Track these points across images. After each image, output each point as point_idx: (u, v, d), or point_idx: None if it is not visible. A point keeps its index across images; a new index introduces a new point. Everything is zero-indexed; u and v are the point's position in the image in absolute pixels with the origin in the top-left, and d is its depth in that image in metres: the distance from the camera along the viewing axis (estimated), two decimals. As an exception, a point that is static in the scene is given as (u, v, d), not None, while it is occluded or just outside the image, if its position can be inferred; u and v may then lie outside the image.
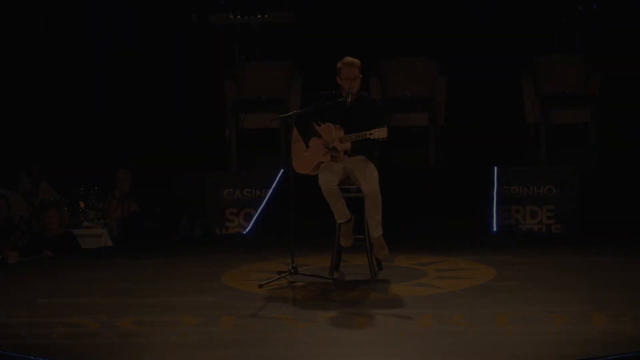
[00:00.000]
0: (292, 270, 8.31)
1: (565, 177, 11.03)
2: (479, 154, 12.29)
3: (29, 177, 12.23)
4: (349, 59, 8.42)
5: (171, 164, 12.49)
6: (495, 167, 11.14)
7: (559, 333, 6.86)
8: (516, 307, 7.51)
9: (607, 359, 6.23)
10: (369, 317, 7.39)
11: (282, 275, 8.32)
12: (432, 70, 13.14)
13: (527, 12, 13.67)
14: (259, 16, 13.57)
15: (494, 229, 10.47)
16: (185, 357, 6.58)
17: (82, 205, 11.12)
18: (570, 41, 13.73)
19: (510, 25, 13.55)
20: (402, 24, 13.65)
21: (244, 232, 10.99)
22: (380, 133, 8.15)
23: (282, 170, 11.23)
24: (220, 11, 13.71)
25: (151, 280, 8.69)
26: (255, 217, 11.07)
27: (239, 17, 13.57)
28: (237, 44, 13.80)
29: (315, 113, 8.43)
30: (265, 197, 11.19)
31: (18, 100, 13.51)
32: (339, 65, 8.42)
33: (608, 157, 12.12)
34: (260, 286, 8.17)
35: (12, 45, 13.66)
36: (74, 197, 11.22)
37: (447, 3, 13.68)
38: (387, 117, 11.92)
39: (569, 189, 10.92)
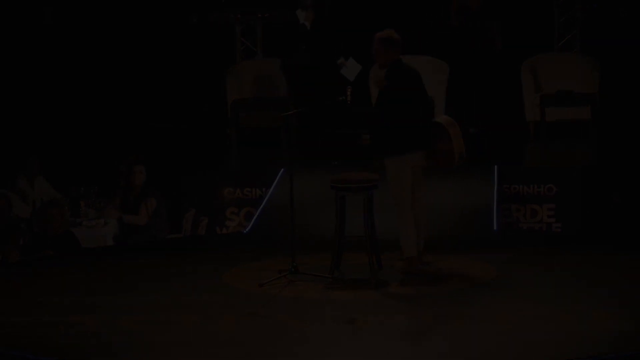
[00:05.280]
0: (293, 269, 8.32)
1: (566, 176, 11.01)
2: (479, 152, 12.28)
3: (26, 175, 12.17)
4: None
5: (172, 163, 12.48)
6: (496, 166, 11.12)
7: (559, 332, 6.86)
8: (516, 306, 7.52)
9: (607, 358, 6.23)
10: (369, 316, 7.39)
11: (283, 274, 8.33)
12: (431, 69, 13.13)
13: (527, 11, 13.66)
14: (259, 15, 13.57)
15: (495, 227, 10.44)
16: (186, 357, 6.59)
17: (82, 204, 11.10)
18: (570, 40, 13.73)
19: (511, 24, 13.54)
20: (402, 23, 13.64)
21: (245, 231, 10.98)
22: None
23: (282, 170, 11.22)
24: (220, 10, 13.70)
25: (152, 279, 8.69)
26: (255, 216, 11.05)
27: (239, 16, 13.57)
28: (238, 43, 13.80)
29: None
30: (266, 196, 11.18)
31: (17, 98, 13.50)
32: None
33: (609, 155, 12.12)
34: (260, 285, 8.18)
35: (11, 41, 13.65)
36: (74, 196, 11.21)
37: (447, 2, 13.67)
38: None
39: (569, 188, 10.90)
